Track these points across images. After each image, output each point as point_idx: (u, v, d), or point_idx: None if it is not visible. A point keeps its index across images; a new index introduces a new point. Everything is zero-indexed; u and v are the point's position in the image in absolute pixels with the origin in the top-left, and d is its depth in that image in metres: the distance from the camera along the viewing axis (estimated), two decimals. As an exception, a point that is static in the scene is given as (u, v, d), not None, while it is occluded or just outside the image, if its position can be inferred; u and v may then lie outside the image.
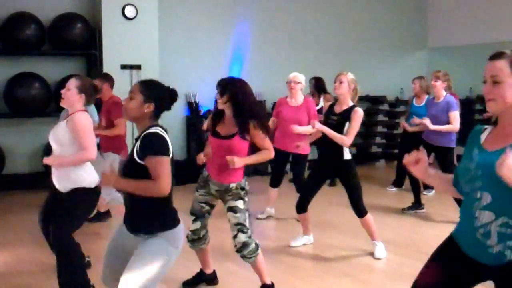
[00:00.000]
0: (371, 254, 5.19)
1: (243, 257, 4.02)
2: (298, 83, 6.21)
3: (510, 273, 2.18)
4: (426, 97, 7.36)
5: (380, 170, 10.44)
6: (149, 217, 2.97)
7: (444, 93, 6.46)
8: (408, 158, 2.41)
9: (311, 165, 5.71)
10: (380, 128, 11.29)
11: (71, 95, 4.04)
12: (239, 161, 3.91)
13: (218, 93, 4.06)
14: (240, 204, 4.02)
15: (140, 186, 2.90)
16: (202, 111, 9.48)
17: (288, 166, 6.96)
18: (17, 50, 8.42)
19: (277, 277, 4.50)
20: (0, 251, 5.40)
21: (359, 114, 4.89)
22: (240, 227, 3.98)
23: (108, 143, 6.13)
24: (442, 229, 6.02)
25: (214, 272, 4.47)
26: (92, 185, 4.04)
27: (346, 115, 4.91)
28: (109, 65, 8.32)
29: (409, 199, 7.56)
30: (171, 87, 3.13)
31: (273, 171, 6.71)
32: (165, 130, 3.02)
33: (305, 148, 6.09)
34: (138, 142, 2.95)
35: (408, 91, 8.50)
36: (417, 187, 6.89)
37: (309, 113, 6.10)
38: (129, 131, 7.02)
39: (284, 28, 10.47)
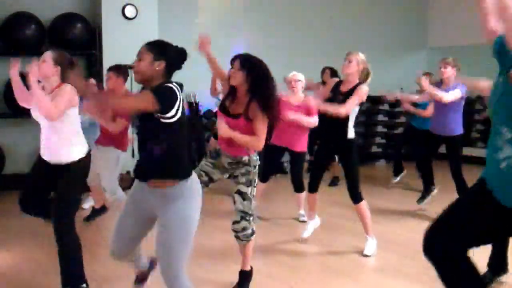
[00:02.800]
0: (371, 256, 5.18)
1: (237, 237, 4.07)
2: (298, 81, 6.20)
3: None
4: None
5: (380, 170, 10.43)
6: (163, 165, 2.99)
7: (453, 80, 6.36)
8: None
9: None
10: (380, 128, 11.29)
11: (47, 67, 4.01)
12: (226, 131, 3.84)
13: (235, 66, 3.95)
14: (249, 191, 4.02)
15: (108, 98, 3.14)
16: (202, 111, 9.48)
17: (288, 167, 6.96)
18: (17, 50, 8.41)
19: (277, 276, 4.50)
20: (0, 251, 5.39)
21: (362, 88, 4.88)
22: (243, 215, 4.01)
23: (109, 139, 6.06)
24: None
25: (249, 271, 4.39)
26: (82, 155, 4.04)
27: (351, 93, 4.89)
28: (109, 65, 8.26)
29: (409, 199, 7.56)
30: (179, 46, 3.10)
31: (264, 165, 6.61)
32: (181, 86, 3.04)
33: (303, 145, 6.11)
34: None
35: (408, 91, 8.49)
36: (429, 174, 6.74)
37: (308, 112, 6.10)
38: (130, 130, 7.00)
39: (284, 28, 10.47)
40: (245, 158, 4.02)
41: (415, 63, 11.65)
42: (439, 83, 6.59)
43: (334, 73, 8.72)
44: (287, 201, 6.97)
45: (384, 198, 7.82)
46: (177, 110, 2.93)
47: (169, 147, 2.96)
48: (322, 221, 6.13)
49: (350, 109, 4.86)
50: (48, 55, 4.03)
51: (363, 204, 5.12)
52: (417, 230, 6.20)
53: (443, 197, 6.95)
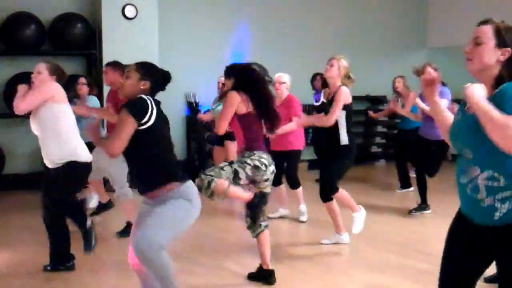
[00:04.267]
0: (371, 255, 5.17)
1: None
2: (283, 83, 6.26)
3: (503, 233, 2.23)
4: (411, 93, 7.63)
5: (380, 170, 10.43)
6: (151, 175, 3.21)
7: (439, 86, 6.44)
8: (425, 76, 2.54)
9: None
10: (380, 128, 11.29)
11: (44, 78, 4.09)
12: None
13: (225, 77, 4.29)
14: (222, 163, 4.18)
15: (102, 144, 3.31)
16: (202, 111, 9.47)
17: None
18: (17, 50, 8.42)
19: (277, 276, 4.50)
20: (0, 251, 5.39)
21: (340, 93, 4.94)
22: (200, 173, 4.06)
23: (109, 132, 6.12)
24: (444, 230, 6.01)
25: (271, 270, 4.44)
26: (79, 159, 4.20)
27: (332, 99, 4.98)
28: (109, 65, 8.30)
29: (409, 199, 7.57)
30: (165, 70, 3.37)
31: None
32: (157, 102, 3.23)
33: (293, 144, 6.13)
34: None
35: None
36: (424, 188, 6.83)
37: (290, 110, 6.13)
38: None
39: (284, 28, 10.46)
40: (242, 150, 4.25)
41: (415, 63, 11.57)
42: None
43: (325, 80, 8.68)
44: (290, 202, 6.95)
45: (383, 198, 7.82)
46: (150, 116, 3.15)
47: (150, 158, 3.18)
48: (322, 221, 6.14)
49: (333, 117, 4.94)
50: (42, 66, 4.13)
51: (332, 204, 5.21)
52: (417, 230, 6.22)
53: (445, 197, 6.96)
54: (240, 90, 4.14)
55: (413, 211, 6.83)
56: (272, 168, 4.22)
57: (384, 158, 11.14)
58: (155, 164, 3.19)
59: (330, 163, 5.15)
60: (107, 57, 8.56)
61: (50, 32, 8.60)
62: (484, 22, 2.33)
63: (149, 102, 3.17)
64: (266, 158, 4.19)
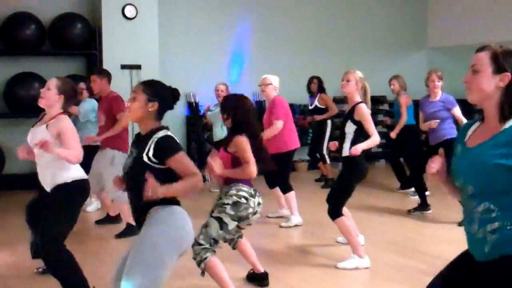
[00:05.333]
0: (371, 256, 5.17)
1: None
2: (268, 84, 6.24)
3: (492, 268, 2.19)
4: (400, 94, 7.85)
5: (380, 170, 10.43)
6: (150, 207, 2.99)
7: (440, 92, 6.48)
8: (432, 166, 2.38)
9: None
10: (380, 128, 11.26)
11: (51, 95, 3.98)
12: (218, 168, 3.94)
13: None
14: (207, 218, 4.00)
15: (184, 186, 2.93)
16: (202, 111, 9.48)
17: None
18: (17, 50, 8.42)
19: (277, 276, 4.50)
20: (0, 251, 5.39)
21: (360, 109, 4.82)
22: (193, 242, 3.80)
23: (105, 139, 6.07)
24: (444, 230, 6.05)
25: (264, 273, 4.42)
26: (73, 179, 3.93)
27: (349, 114, 4.89)
28: (109, 65, 8.30)
29: (409, 199, 7.57)
30: (172, 87, 3.17)
31: (265, 175, 6.51)
32: (168, 130, 3.07)
33: (279, 147, 6.09)
34: (151, 147, 2.95)
35: (408, 91, 8.49)
36: (422, 188, 6.84)
37: (271, 112, 6.15)
38: (130, 128, 7.02)
39: (284, 28, 10.47)
40: (227, 189, 4.05)
41: (415, 63, 11.65)
42: (427, 96, 6.61)
43: (321, 83, 8.79)
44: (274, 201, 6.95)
45: (383, 198, 7.82)
46: None
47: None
48: (322, 221, 6.14)
49: (376, 133, 4.92)
50: (53, 83, 4.01)
51: (341, 221, 4.86)
52: (417, 230, 6.22)
53: (446, 198, 6.96)
54: (242, 133, 4.03)
55: (412, 211, 6.83)
56: (256, 199, 4.03)
57: (384, 158, 11.14)
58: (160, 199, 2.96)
59: (336, 181, 5.06)
60: (107, 57, 8.58)
61: (50, 32, 8.60)
62: (481, 48, 2.26)
63: (176, 139, 3.05)
64: (246, 190, 3.99)
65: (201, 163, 9.23)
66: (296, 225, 6.29)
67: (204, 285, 4.45)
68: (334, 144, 5.18)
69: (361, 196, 7.02)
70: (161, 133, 3.00)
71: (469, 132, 2.33)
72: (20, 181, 8.37)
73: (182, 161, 2.96)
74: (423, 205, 6.84)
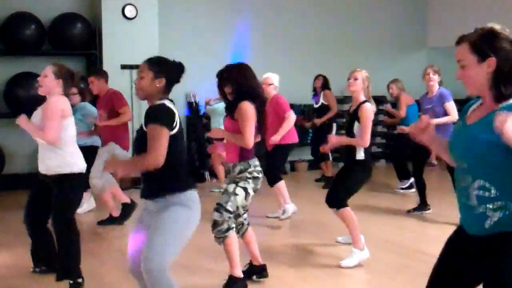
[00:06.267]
0: (371, 256, 5.17)
1: (214, 234, 4.09)
2: (270, 84, 6.25)
3: (491, 241, 2.20)
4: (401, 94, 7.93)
5: (380, 170, 10.42)
6: (160, 182, 3.09)
7: (437, 87, 6.51)
8: (415, 126, 2.47)
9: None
10: (380, 128, 11.28)
11: (49, 81, 4.06)
12: (217, 132, 4.22)
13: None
14: (230, 187, 4.11)
15: (136, 163, 3.09)
16: (202, 111, 9.48)
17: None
18: (17, 50, 8.42)
19: (277, 276, 4.50)
20: (0, 251, 5.39)
21: (364, 110, 4.81)
22: (217, 207, 4.07)
23: (108, 134, 6.14)
24: (444, 230, 6.03)
25: (263, 265, 4.45)
26: (77, 171, 4.12)
27: (355, 113, 4.88)
28: (109, 65, 8.31)
29: (409, 199, 7.57)
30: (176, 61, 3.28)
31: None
32: (172, 102, 3.15)
33: (283, 138, 6.14)
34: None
35: (407, 90, 8.50)
36: (423, 188, 6.83)
37: (279, 108, 6.21)
38: (130, 126, 7.02)
39: (284, 28, 10.46)
40: (232, 164, 4.16)
41: (415, 63, 11.63)
42: (426, 94, 6.63)
43: (326, 81, 8.80)
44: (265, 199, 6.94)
45: (384, 198, 7.82)
46: (176, 122, 3.09)
47: (167, 162, 3.03)
48: (322, 221, 6.14)
49: (368, 138, 4.81)
50: (49, 69, 4.08)
51: (344, 211, 4.88)
52: (417, 230, 6.22)
53: (447, 198, 6.96)
54: (248, 99, 4.07)
55: (412, 211, 6.83)
56: (262, 175, 4.24)
57: (384, 158, 11.14)
58: (170, 171, 3.06)
59: (343, 176, 5.07)
60: (107, 57, 8.58)
61: (50, 32, 8.60)
62: (459, 40, 2.27)
63: (174, 109, 3.11)
64: (259, 165, 4.20)
65: (201, 163, 9.24)
66: (293, 213, 6.38)
67: (204, 285, 4.45)
68: (323, 148, 5.29)
69: (361, 196, 6.98)
70: (158, 102, 3.10)
71: (471, 109, 2.36)
72: (20, 181, 8.36)
73: (152, 132, 2.99)
74: (423, 205, 6.84)
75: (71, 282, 4.17)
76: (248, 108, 4.06)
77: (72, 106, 7.02)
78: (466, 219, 2.30)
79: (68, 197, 4.12)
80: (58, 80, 4.06)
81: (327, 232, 5.84)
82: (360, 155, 4.86)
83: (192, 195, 3.15)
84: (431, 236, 5.94)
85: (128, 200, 6.21)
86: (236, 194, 4.06)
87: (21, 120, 4.04)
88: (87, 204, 6.99)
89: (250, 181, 4.11)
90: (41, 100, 4.23)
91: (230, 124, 4.18)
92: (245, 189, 4.09)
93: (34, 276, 4.61)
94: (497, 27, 2.22)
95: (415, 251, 5.29)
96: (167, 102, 3.11)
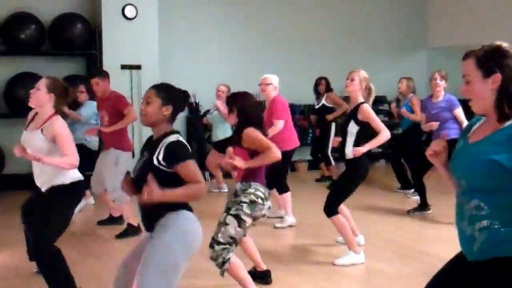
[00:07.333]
0: (371, 256, 5.17)
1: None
2: (268, 84, 6.23)
3: (483, 270, 2.18)
4: (410, 96, 7.82)
5: (380, 170, 10.43)
6: (162, 212, 2.97)
7: (443, 92, 6.53)
8: (433, 149, 2.42)
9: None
10: (380, 128, 11.28)
11: (41, 95, 3.91)
12: (239, 162, 3.85)
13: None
14: (221, 217, 3.95)
15: (184, 193, 2.92)
16: (202, 111, 9.47)
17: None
18: (17, 50, 8.42)
19: (277, 277, 4.50)
20: (0, 251, 5.39)
21: (365, 109, 4.81)
22: (211, 241, 3.91)
23: (109, 140, 6.06)
24: (444, 230, 6.04)
25: (266, 271, 4.43)
26: (71, 181, 3.93)
27: (352, 114, 4.89)
28: (109, 65, 8.31)
29: (410, 199, 7.57)
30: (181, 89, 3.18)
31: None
32: (180, 134, 3.07)
33: (284, 144, 6.06)
34: (162, 150, 2.95)
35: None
36: (423, 189, 6.83)
37: (273, 113, 6.13)
38: (130, 128, 7.02)
39: (284, 28, 10.46)
40: (239, 185, 4.04)
41: (415, 63, 11.64)
42: (430, 97, 6.64)
43: (328, 83, 8.81)
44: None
45: (384, 198, 7.82)
46: None
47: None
48: (322, 221, 6.13)
49: (384, 127, 4.84)
50: (42, 83, 3.94)
51: (336, 218, 4.89)
52: (417, 230, 6.22)
53: (447, 198, 6.96)
54: (252, 126, 3.99)
55: (412, 211, 6.83)
56: (269, 203, 4.03)
57: (384, 158, 11.14)
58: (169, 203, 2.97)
59: (338, 182, 5.05)
60: (107, 57, 8.58)
61: (50, 32, 8.59)
62: (465, 56, 2.24)
63: (188, 146, 3.05)
64: (262, 191, 3.99)
65: (201, 163, 9.24)
66: (290, 226, 6.29)
67: (204, 285, 4.45)
68: (336, 141, 5.22)
69: (361, 196, 7.00)
70: (172, 137, 2.99)
71: (474, 128, 2.34)
72: (20, 181, 8.35)
73: (189, 168, 2.93)
74: (423, 206, 6.84)
75: None
76: (255, 132, 3.96)
77: (80, 103, 7.09)
78: (461, 244, 2.28)
79: (53, 212, 3.88)
80: (51, 94, 3.91)
81: (327, 233, 5.84)
82: (349, 154, 4.87)
83: (184, 216, 3.01)
84: (431, 236, 5.94)
85: (135, 223, 5.90)
86: (226, 224, 3.89)
87: (32, 156, 3.78)
88: (79, 206, 6.97)
89: (244, 205, 3.90)
90: None
91: (241, 153, 3.98)
92: (236, 216, 3.88)
93: (34, 276, 4.61)
94: (504, 45, 2.21)
95: (415, 251, 5.29)
96: (180, 139, 3.03)
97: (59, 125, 3.87)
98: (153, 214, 3.00)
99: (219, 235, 3.88)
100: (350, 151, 4.83)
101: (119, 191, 5.69)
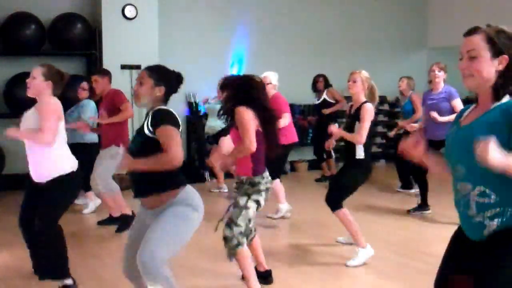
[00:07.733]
0: (371, 255, 5.17)
1: (226, 249, 4.01)
2: (268, 83, 6.25)
3: (489, 246, 2.19)
4: (409, 94, 7.88)
5: (380, 170, 10.43)
6: (153, 180, 3.05)
7: (442, 84, 6.54)
8: (407, 142, 2.43)
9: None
10: (380, 128, 11.29)
11: (38, 83, 3.95)
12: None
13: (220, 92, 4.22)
14: (241, 200, 3.99)
15: (153, 162, 2.98)
16: (202, 111, 9.47)
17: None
18: (17, 50, 8.42)
19: (277, 277, 4.50)
20: (0, 251, 5.39)
21: (366, 109, 4.82)
22: (228, 222, 3.99)
23: (109, 134, 6.08)
24: (444, 230, 6.04)
25: (268, 271, 4.43)
26: (69, 170, 4.01)
27: (356, 114, 4.89)
28: (109, 65, 8.30)
29: (409, 199, 7.57)
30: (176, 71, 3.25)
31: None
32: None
33: (283, 138, 6.08)
34: (149, 117, 3.06)
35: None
36: (425, 188, 6.82)
37: (278, 108, 6.12)
38: (130, 127, 7.01)
39: (284, 28, 10.46)
40: (242, 178, 4.05)
41: (415, 63, 11.65)
42: (430, 91, 6.65)
43: (326, 80, 8.84)
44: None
45: (384, 198, 7.82)
46: (180, 128, 3.12)
47: None
48: (322, 221, 6.14)
49: (363, 137, 4.80)
50: (37, 71, 3.97)
51: (342, 212, 4.91)
52: (417, 230, 6.22)
53: (448, 198, 6.96)
54: (244, 104, 3.90)
55: (412, 211, 6.84)
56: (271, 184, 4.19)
57: (384, 158, 11.15)
58: (163, 172, 3.03)
59: (342, 175, 5.07)
60: (107, 57, 8.58)
61: (50, 32, 8.59)
62: (472, 31, 2.19)
63: (177, 117, 3.11)
64: (270, 180, 4.10)
65: (201, 163, 9.24)
66: (286, 213, 6.40)
67: (205, 286, 4.45)
68: (327, 145, 5.29)
69: (361, 196, 7.00)
70: (161, 107, 3.10)
71: (465, 114, 2.35)
72: (20, 181, 8.30)
73: (167, 133, 2.98)
74: (423, 205, 6.84)
75: (61, 285, 4.11)
76: (245, 111, 3.87)
77: (78, 101, 7.10)
78: (465, 227, 2.30)
79: (56, 201, 4.01)
80: (48, 81, 3.95)
81: (327, 232, 5.84)
82: (360, 154, 4.88)
83: (188, 194, 3.11)
84: (431, 236, 5.94)
85: (129, 212, 6.05)
86: (247, 208, 3.96)
87: (10, 131, 3.85)
88: (92, 203, 6.99)
89: (263, 193, 4.02)
90: None
91: (236, 134, 3.99)
92: (257, 201, 4.00)
93: (34, 276, 4.60)
94: (505, 28, 2.20)
95: (415, 251, 5.30)
96: (172, 110, 3.12)
97: (47, 101, 3.92)
98: (145, 185, 3.09)
99: (240, 217, 3.94)
100: (361, 151, 4.85)
101: (110, 182, 5.90)
